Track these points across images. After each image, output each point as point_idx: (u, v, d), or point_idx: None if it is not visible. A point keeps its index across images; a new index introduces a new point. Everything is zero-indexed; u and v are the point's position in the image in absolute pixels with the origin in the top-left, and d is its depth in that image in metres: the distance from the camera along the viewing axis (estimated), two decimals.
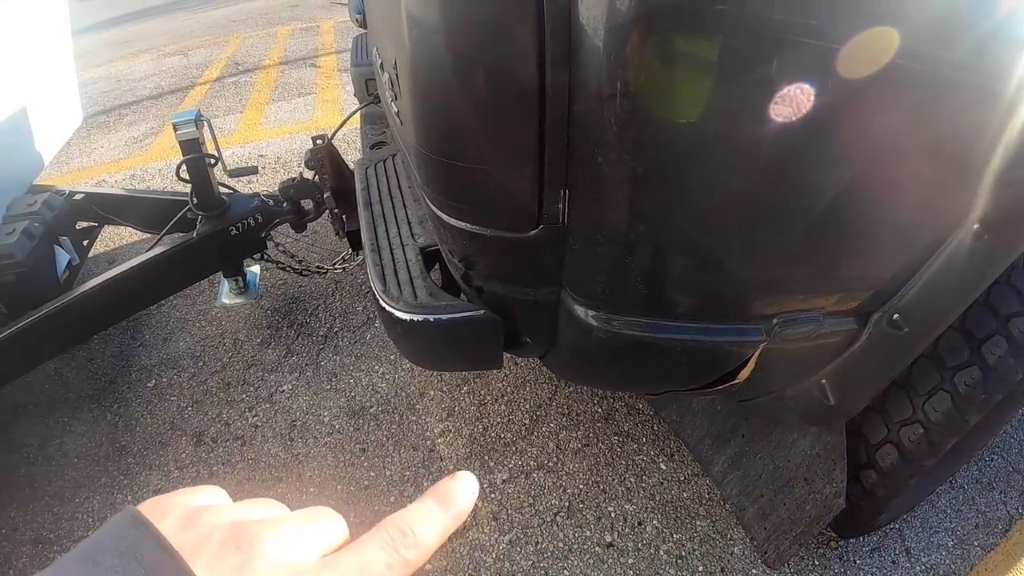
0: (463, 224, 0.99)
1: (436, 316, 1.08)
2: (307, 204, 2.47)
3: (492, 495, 1.86)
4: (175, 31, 8.84)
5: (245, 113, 4.95)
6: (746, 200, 0.88)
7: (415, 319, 1.09)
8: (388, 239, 1.31)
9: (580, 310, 1.02)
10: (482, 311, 1.07)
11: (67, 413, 2.42)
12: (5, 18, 2.43)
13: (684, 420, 1.88)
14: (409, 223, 1.35)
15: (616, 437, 1.96)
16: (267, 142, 4.37)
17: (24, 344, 2.07)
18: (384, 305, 1.13)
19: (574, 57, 0.79)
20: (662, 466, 1.88)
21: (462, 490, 0.38)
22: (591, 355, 1.14)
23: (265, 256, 2.46)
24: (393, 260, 1.23)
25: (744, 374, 1.11)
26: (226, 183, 2.41)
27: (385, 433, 2.10)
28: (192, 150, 2.20)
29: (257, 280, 2.67)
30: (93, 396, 2.47)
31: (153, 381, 2.47)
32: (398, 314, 1.10)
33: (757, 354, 1.05)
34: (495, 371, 2.23)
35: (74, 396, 2.49)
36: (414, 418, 2.13)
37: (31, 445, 2.31)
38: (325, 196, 2.28)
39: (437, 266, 1.29)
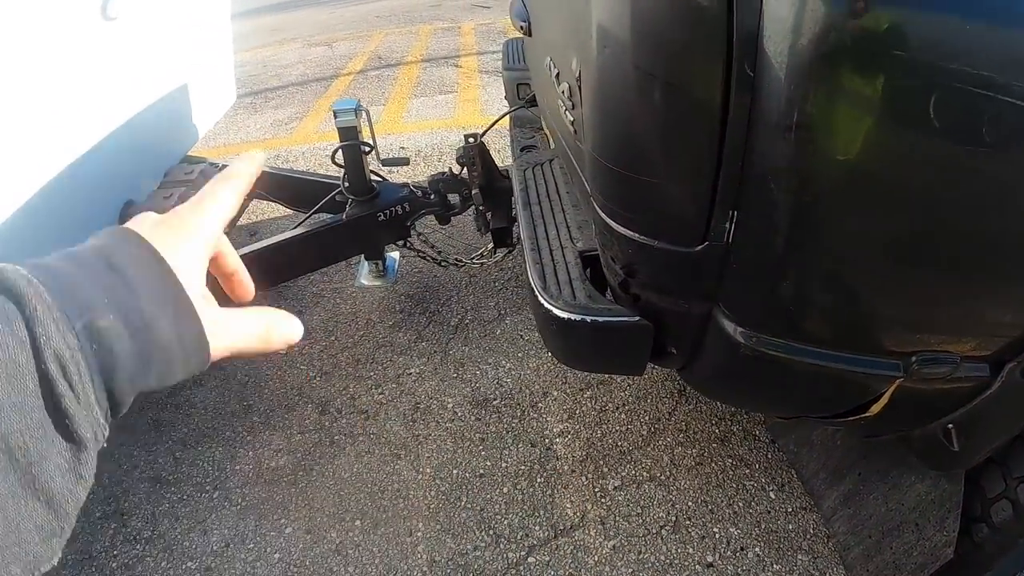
0: (631, 233, 1.05)
1: (593, 318, 1.15)
2: (453, 198, 2.57)
3: (602, 500, 1.90)
4: (322, 23, 9.31)
5: (388, 106, 5.17)
6: (906, 240, 0.90)
7: (572, 319, 1.16)
8: (547, 240, 1.38)
9: (729, 326, 1.06)
10: (637, 318, 1.13)
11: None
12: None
13: (801, 451, 1.87)
14: (568, 227, 1.42)
15: (730, 460, 1.98)
16: (408, 135, 4.56)
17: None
18: (542, 302, 1.20)
19: (757, 85, 0.83)
20: (771, 495, 1.88)
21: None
22: (733, 371, 1.18)
23: (407, 244, 2.58)
24: (552, 260, 1.31)
25: (876, 408, 1.12)
26: (377, 171, 2.55)
27: (505, 426, 2.17)
28: (349, 137, 2.35)
29: (396, 265, 2.79)
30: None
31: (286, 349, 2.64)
32: (556, 312, 1.17)
33: (892, 389, 1.07)
34: (618, 379, 2.27)
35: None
36: (535, 415, 2.20)
37: (161, 393, 2.51)
38: (473, 192, 2.37)
39: (588, 270, 1.35)
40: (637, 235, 1.04)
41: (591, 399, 2.22)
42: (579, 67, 1.10)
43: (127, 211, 2.40)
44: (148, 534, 1.99)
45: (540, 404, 2.24)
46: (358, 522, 1.93)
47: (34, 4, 1.86)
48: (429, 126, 4.71)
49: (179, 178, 2.65)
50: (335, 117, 2.34)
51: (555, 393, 2.27)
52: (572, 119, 1.25)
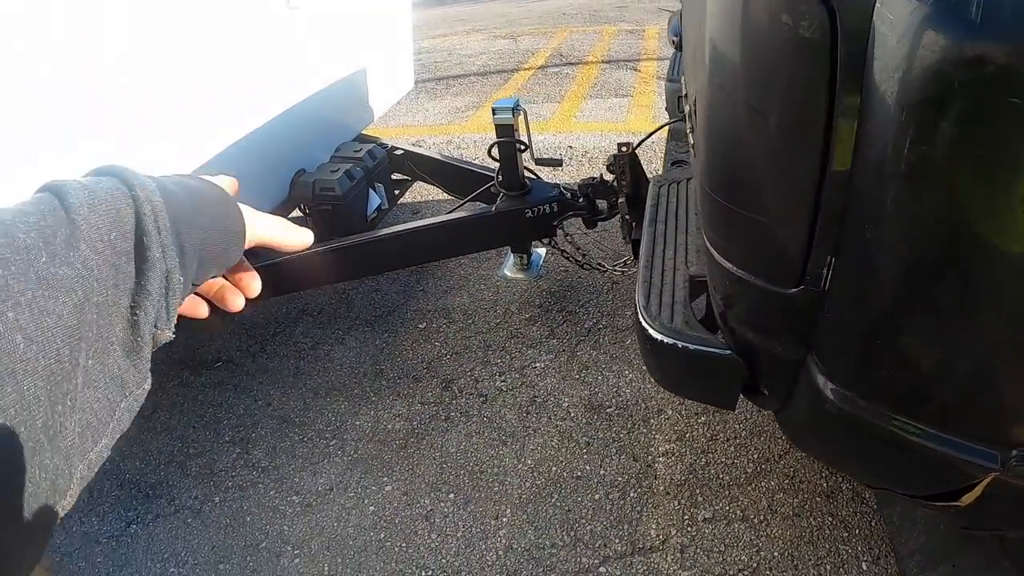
0: (730, 265, 1.04)
1: (684, 344, 1.15)
2: (602, 204, 2.61)
3: (688, 528, 1.87)
4: (509, 15, 9.58)
5: (562, 104, 5.27)
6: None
7: (665, 341, 1.17)
8: (663, 259, 1.40)
9: (820, 378, 1.01)
10: (727, 352, 1.12)
11: (343, 328, 2.88)
12: None
13: (903, 527, 1.74)
14: (686, 249, 1.43)
15: (830, 518, 1.87)
16: (577, 135, 4.63)
17: (325, 262, 2.49)
18: (640, 319, 1.22)
19: (860, 130, 0.79)
20: (864, 565, 1.75)
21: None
22: (817, 425, 1.13)
23: (552, 242, 2.66)
24: (662, 280, 1.32)
25: (967, 499, 1.02)
26: (531, 169, 2.65)
27: (613, 435, 2.19)
28: (505, 135, 2.47)
29: (540, 261, 2.90)
30: (369, 321, 2.90)
31: (424, 324, 2.83)
32: (651, 331, 1.19)
33: (987, 482, 0.98)
34: (731, 412, 2.22)
35: (353, 316, 2.95)
36: (645, 431, 2.20)
37: (305, 344, 2.79)
38: (619, 201, 2.40)
39: (695, 296, 1.34)
40: (735, 268, 1.04)
41: (704, 425, 2.19)
42: (694, 93, 1.11)
43: (296, 178, 2.66)
44: (265, 464, 2.23)
45: (652, 420, 2.23)
46: (452, 495, 2.04)
47: None
48: (599, 128, 4.75)
49: (347, 154, 2.91)
50: (493, 114, 2.46)
51: (670, 412, 2.25)
52: (692, 141, 1.25)
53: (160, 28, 1.93)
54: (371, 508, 2.03)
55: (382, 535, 1.94)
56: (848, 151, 0.82)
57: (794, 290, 0.97)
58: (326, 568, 1.87)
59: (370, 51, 3.14)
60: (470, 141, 4.75)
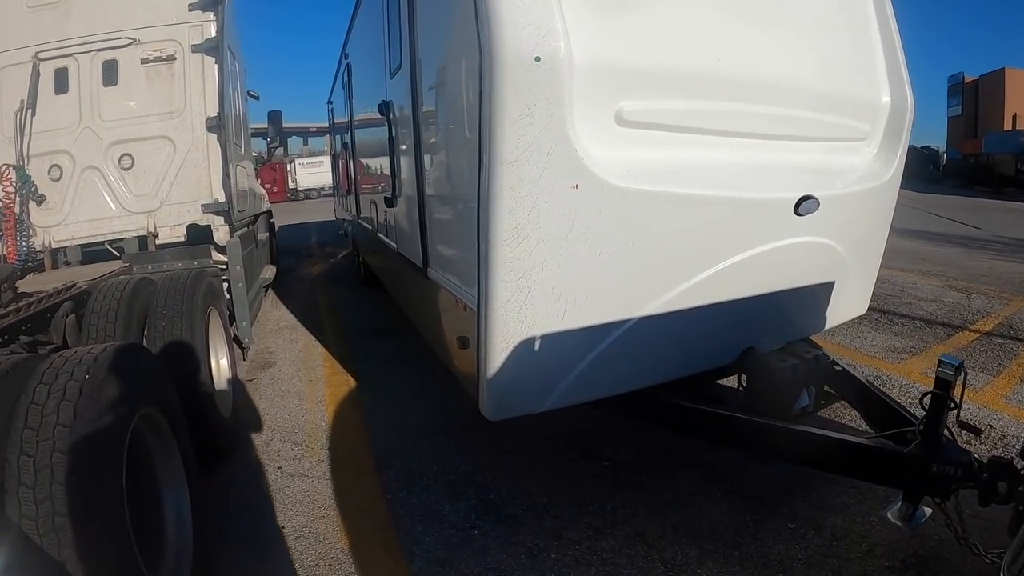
0: None
1: None
2: (1002, 486, 2.53)
3: None
4: (968, 268, 9.21)
5: (996, 379, 5.02)
6: None
7: None
8: None
9: None
10: None
11: (723, 487, 3.33)
12: None
13: None
14: None
15: None
16: (1002, 416, 4.41)
17: (740, 430, 3.04)
18: None
19: None
20: None
21: None
22: None
23: (942, 504, 2.64)
24: None
25: None
26: (948, 427, 2.72)
27: None
28: (942, 388, 2.61)
29: (923, 519, 2.81)
30: (748, 492, 3.31)
31: (795, 524, 3.07)
32: None
33: None
34: None
35: (738, 482, 3.36)
36: None
37: (687, 490, 3.26)
38: (1020, 489, 2.39)
39: None
40: None
41: None
42: None
43: (747, 352, 3.33)
44: (591, 558, 2.73)
45: None
46: None
47: None
48: None
49: (797, 351, 3.39)
50: (938, 366, 2.63)
51: None
52: None
53: None
54: None
55: None
56: None
57: None
58: None
59: (843, 270, 3.59)
60: (895, 383, 4.83)
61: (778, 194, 3.08)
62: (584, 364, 2.90)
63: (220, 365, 4.30)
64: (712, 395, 3.73)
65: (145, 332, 3.50)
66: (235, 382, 4.52)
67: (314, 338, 6.92)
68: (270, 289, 8.97)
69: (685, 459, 3.71)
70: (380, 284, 7.67)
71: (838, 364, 3.54)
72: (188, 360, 3.43)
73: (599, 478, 3.58)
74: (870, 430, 3.26)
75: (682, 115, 2.86)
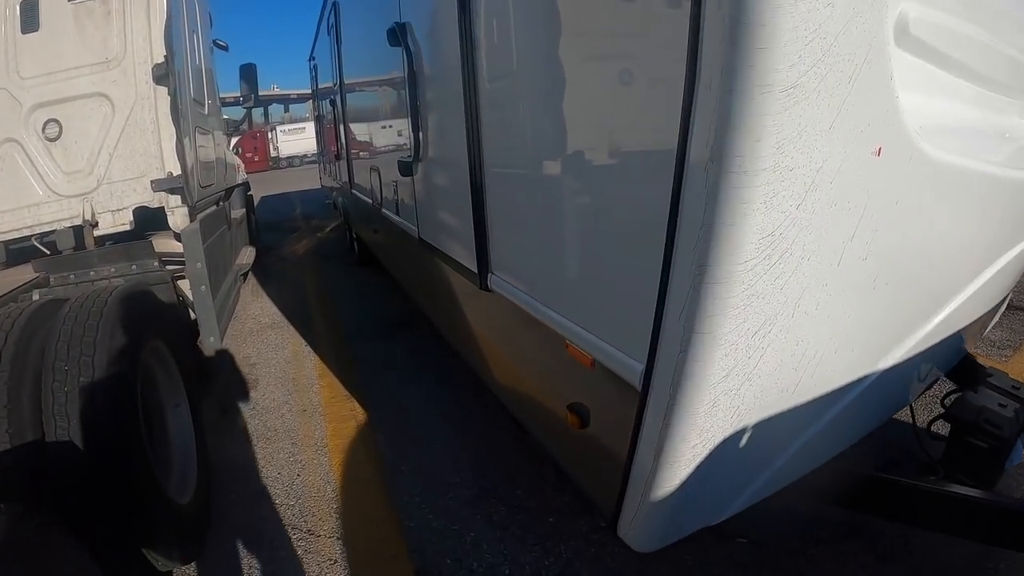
0: None
1: None
2: None
3: None
4: None
5: None
6: None
7: None
8: None
9: None
10: None
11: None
12: None
13: None
14: None
15: None
16: None
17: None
18: None
19: None
20: None
21: None
22: None
23: None
24: None
25: None
26: None
27: None
28: None
29: None
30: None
31: None
32: None
33: None
34: None
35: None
36: None
37: None
38: None
39: None
40: None
41: None
42: None
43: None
44: None
45: None
46: None
47: None
48: None
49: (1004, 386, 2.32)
50: None
51: None
52: None
53: None
54: None
55: None
56: None
57: None
58: None
59: None
60: None
61: None
62: (796, 447, 1.76)
63: (172, 426, 2.93)
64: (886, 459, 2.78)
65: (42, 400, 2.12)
66: (199, 439, 3.06)
67: (304, 342, 5.58)
68: (249, 275, 7.57)
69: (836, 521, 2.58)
70: (379, 264, 6.33)
71: None
72: (105, 461, 2.13)
73: (740, 566, 2.43)
74: None
75: (979, 51, 1.74)
